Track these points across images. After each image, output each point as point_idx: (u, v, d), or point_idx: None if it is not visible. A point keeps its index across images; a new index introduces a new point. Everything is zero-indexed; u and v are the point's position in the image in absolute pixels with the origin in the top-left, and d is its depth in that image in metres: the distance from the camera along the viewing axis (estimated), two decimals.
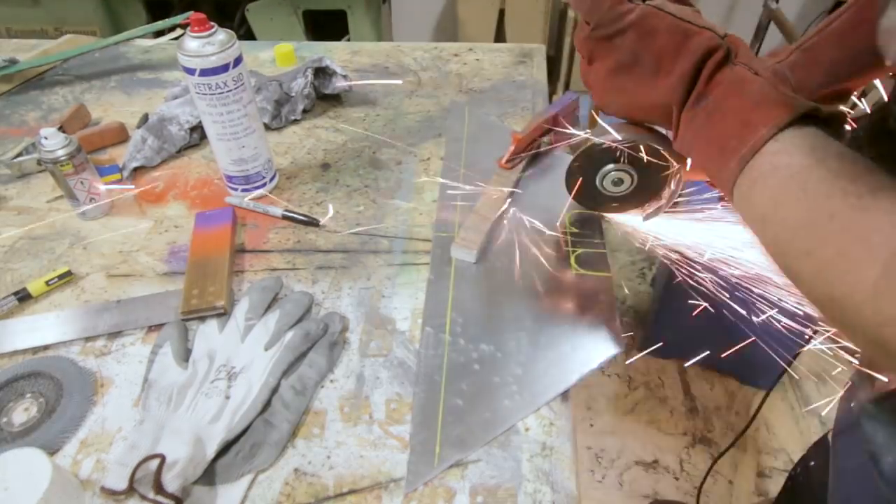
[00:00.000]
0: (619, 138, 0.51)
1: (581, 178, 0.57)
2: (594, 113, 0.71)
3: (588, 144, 0.54)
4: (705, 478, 1.16)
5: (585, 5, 0.45)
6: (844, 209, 0.31)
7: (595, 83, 0.48)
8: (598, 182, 0.57)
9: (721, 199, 0.56)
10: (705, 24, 0.42)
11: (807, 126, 0.36)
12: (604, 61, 0.46)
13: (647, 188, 0.57)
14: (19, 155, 0.82)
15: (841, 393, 0.55)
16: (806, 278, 0.33)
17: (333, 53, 1.09)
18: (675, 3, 0.44)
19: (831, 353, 0.58)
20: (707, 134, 0.40)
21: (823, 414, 1.46)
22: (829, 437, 0.61)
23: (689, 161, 0.49)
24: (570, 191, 0.58)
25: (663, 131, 0.51)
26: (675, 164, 0.52)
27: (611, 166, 0.55)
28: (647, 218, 0.59)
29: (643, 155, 0.52)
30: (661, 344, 1.58)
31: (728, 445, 1.08)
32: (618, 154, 0.54)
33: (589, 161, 0.55)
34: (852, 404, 0.50)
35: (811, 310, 0.36)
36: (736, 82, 0.39)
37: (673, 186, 0.55)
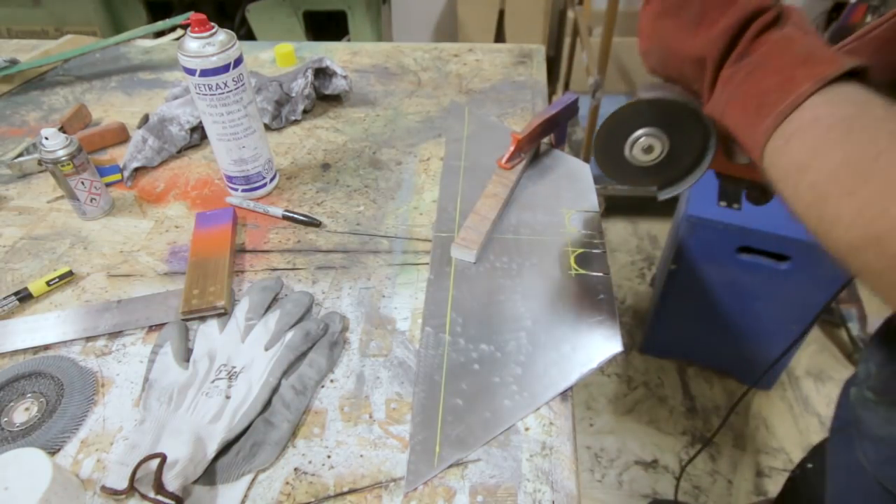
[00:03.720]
0: (655, 95, 0.49)
1: (610, 145, 0.54)
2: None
3: (625, 105, 0.51)
4: (689, 461, 1.15)
5: None
6: (892, 148, 0.29)
7: (643, 26, 0.47)
8: (627, 149, 0.54)
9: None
10: None
11: (852, 83, 0.34)
12: (654, 3, 0.45)
13: (678, 161, 0.54)
14: (20, 155, 0.82)
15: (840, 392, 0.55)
16: (845, 220, 0.31)
17: (333, 54, 1.09)
18: None
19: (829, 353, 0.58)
20: (745, 91, 0.38)
21: (822, 413, 1.47)
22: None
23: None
24: (597, 157, 0.55)
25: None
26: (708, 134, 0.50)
27: (641, 131, 0.52)
28: (662, 195, 0.57)
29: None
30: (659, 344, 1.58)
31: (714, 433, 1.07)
32: (650, 119, 0.51)
33: (620, 125, 0.53)
34: (851, 391, 0.50)
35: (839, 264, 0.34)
36: (783, 41, 0.37)
37: (702, 163, 0.53)
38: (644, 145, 0.53)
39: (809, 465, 0.78)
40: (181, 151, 0.82)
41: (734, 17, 0.39)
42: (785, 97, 0.35)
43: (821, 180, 0.33)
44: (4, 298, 0.59)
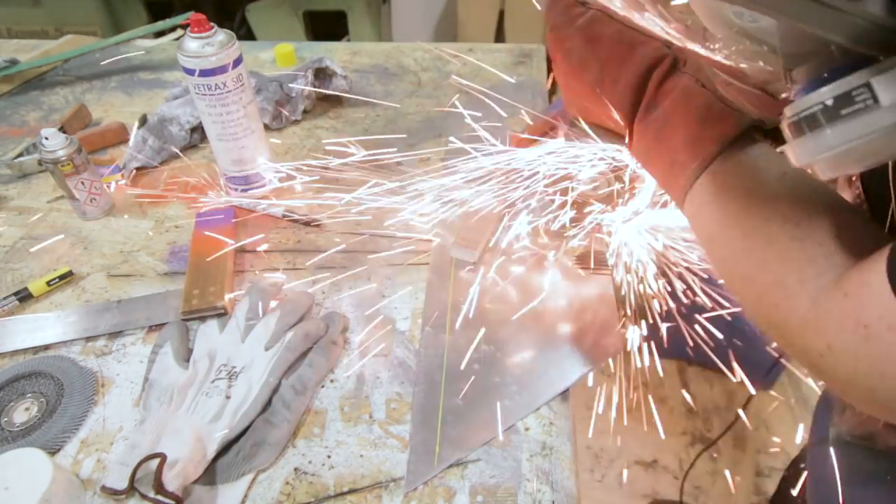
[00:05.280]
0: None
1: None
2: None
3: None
4: (691, 465, 1.15)
5: (545, 3, 0.46)
6: (782, 236, 0.32)
7: (558, 83, 0.48)
8: None
9: None
10: (654, 32, 0.42)
11: (753, 141, 0.37)
12: (560, 64, 0.46)
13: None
14: (20, 155, 0.82)
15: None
16: (748, 302, 0.34)
17: (333, 54, 1.09)
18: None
19: None
20: (658, 147, 0.41)
21: None
22: None
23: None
24: None
25: None
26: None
27: None
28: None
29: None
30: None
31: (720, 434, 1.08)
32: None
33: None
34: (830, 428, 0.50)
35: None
36: (683, 94, 0.39)
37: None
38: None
39: (802, 466, 0.78)
40: (181, 151, 0.82)
41: (633, 73, 0.41)
42: (693, 157, 0.37)
43: (726, 257, 0.36)
44: (4, 298, 0.59)
